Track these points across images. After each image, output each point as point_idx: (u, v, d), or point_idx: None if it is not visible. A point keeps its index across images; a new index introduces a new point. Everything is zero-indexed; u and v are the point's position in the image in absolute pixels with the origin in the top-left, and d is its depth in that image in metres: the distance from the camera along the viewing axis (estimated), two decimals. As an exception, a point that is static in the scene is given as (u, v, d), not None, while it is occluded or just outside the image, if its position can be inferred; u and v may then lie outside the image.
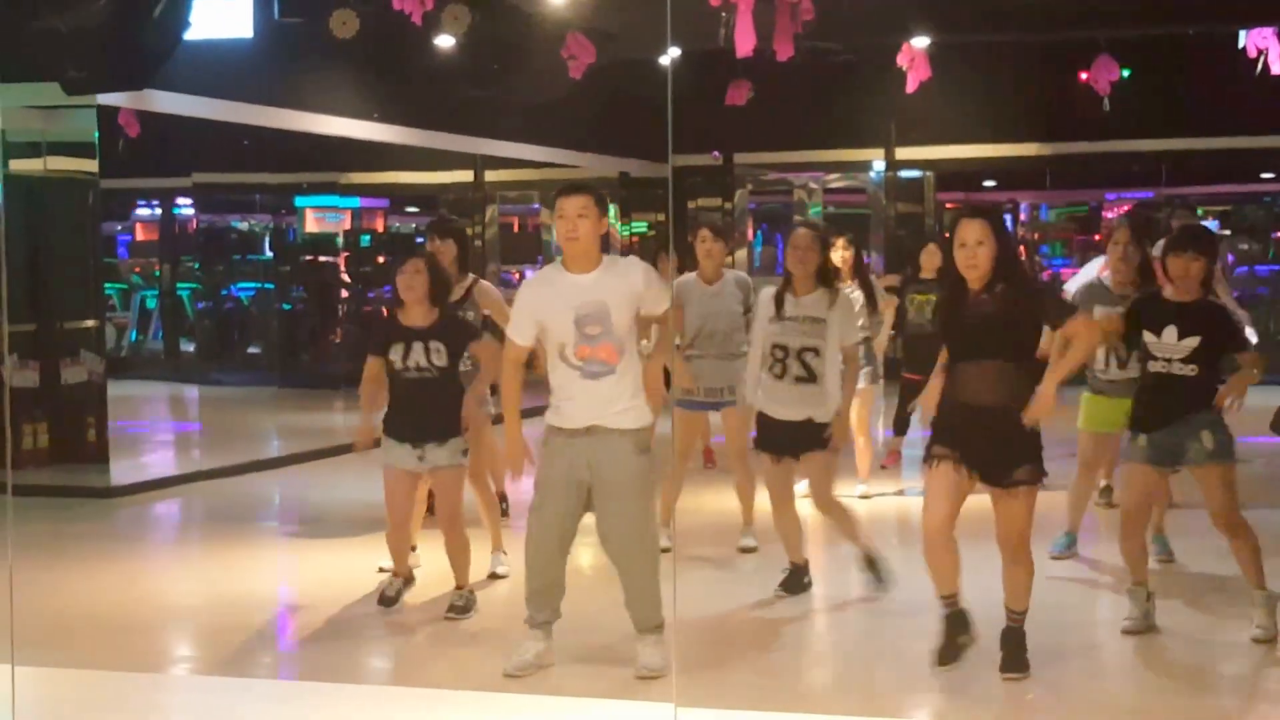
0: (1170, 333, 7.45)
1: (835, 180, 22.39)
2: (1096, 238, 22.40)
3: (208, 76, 13.62)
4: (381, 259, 22.66)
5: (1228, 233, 22.35)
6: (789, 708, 6.51)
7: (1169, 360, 7.45)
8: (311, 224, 22.21)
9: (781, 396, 8.33)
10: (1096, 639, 8.00)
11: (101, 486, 12.63)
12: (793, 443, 8.32)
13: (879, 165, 21.81)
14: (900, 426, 12.96)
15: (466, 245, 9.60)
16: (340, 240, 22.44)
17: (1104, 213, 23.36)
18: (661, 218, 22.70)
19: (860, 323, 10.03)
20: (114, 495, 12.49)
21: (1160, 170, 21.46)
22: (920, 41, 15.88)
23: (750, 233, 22.34)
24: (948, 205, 22.97)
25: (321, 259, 21.81)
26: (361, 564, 9.45)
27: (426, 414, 8.14)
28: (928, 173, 22.07)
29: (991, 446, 6.68)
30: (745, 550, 9.69)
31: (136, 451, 13.95)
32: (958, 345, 6.79)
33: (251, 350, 20.52)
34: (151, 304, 21.32)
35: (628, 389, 6.96)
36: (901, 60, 15.87)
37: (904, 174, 21.96)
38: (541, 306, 7.01)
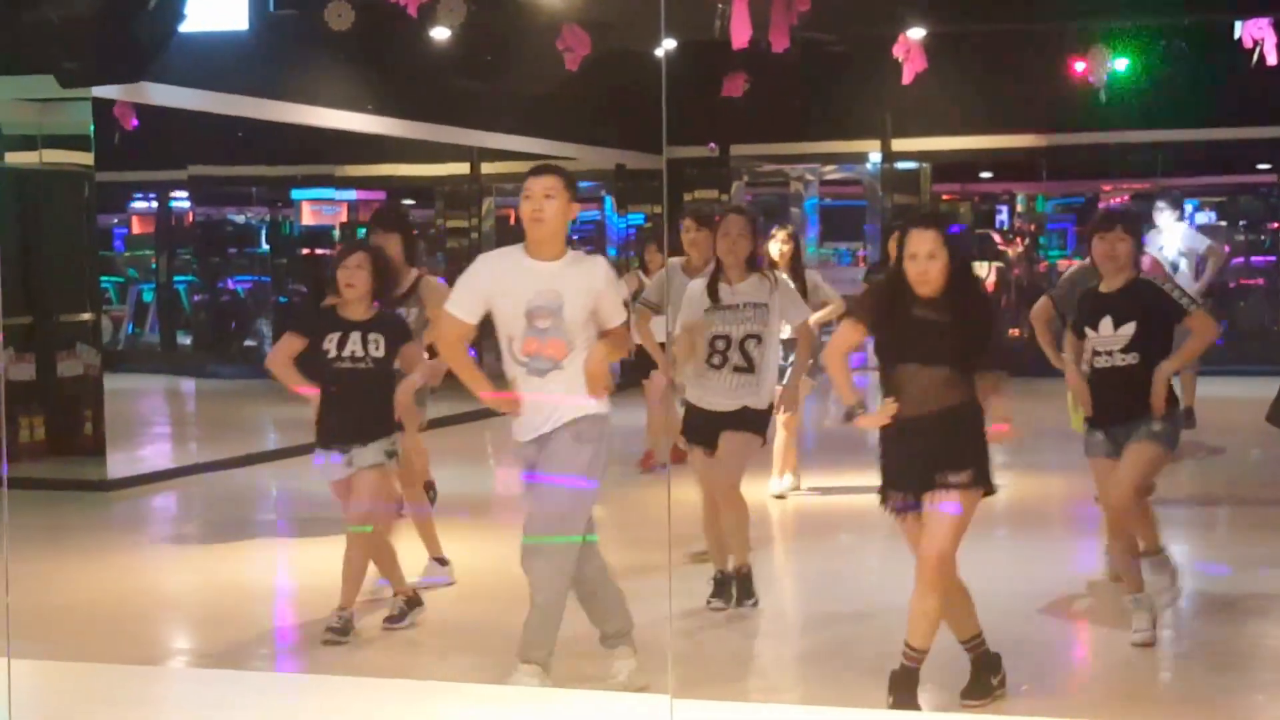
0: (1106, 324, 7.30)
1: (831, 172, 22.39)
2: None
3: (203, 69, 13.60)
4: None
5: (1224, 224, 22.34)
6: (784, 699, 6.51)
7: (1110, 353, 7.30)
8: (308, 216, 22.19)
9: (718, 386, 7.97)
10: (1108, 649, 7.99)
11: (98, 479, 12.62)
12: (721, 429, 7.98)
13: (875, 157, 21.80)
14: None
15: (412, 238, 8.97)
16: (337, 233, 22.43)
17: (1100, 203, 23.35)
18: (658, 210, 22.69)
19: None
20: (110, 488, 12.50)
21: (1156, 161, 21.45)
22: (916, 32, 15.86)
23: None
24: (944, 197, 22.97)
25: (318, 252, 21.79)
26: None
27: (357, 410, 7.68)
28: (924, 164, 22.06)
29: (931, 457, 6.19)
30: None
31: (133, 444, 13.94)
32: (901, 351, 6.26)
33: (248, 343, 20.49)
34: (148, 297, 21.29)
35: (575, 389, 6.54)
36: (897, 51, 15.86)
37: (900, 165, 21.95)
38: (496, 287, 6.55)
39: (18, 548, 8.41)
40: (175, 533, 11.63)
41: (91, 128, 13.16)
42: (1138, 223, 7.61)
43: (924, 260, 6.18)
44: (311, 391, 7.68)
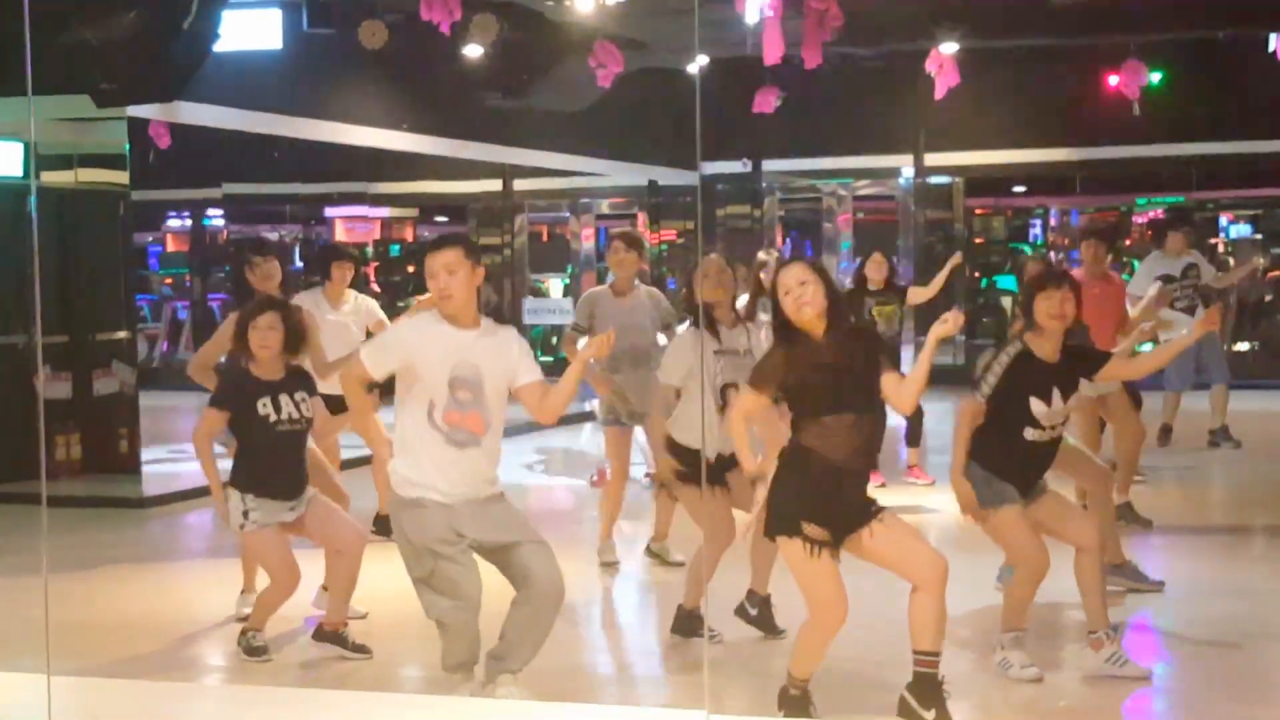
0: (1057, 398, 7.05)
1: (864, 187, 22.38)
2: (1128, 242, 22.33)
3: (237, 88, 13.67)
4: (411, 268, 22.73)
5: (1259, 237, 22.25)
6: (820, 712, 6.49)
7: (1051, 427, 7.09)
8: (341, 233, 22.29)
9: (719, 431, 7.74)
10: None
11: (134, 497, 12.67)
12: (725, 473, 7.77)
13: (908, 171, 21.78)
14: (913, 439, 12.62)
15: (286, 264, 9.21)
16: (370, 250, 22.52)
17: (1134, 218, 23.28)
18: (690, 226, 22.70)
19: None
20: (146, 505, 12.54)
21: (1191, 175, 21.38)
22: (949, 47, 15.87)
23: (780, 240, 22.33)
24: (977, 211, 22.93)
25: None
26: (395, 571, 9.49)
27: (300, 468, 7.79)
28: (957, 179, 22.03)
29: (851, 505, 6.18)
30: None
31: (168, 462, 13.98)
32: (820, 399, 6.12)
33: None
34: (183, 315, 21.41)
35: (492, 464, 6.60)
36: (930, 66, 15.87)
37: (933, 180, 21.92)
38: (420, 353, 6.50)
39: (55, 565, 8.46)
40: (211, 550, 11.65)
41: (127, 147, 13.22)
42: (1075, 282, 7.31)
43: (798, 288, 6.15)
44: (212, 480, 7.69)
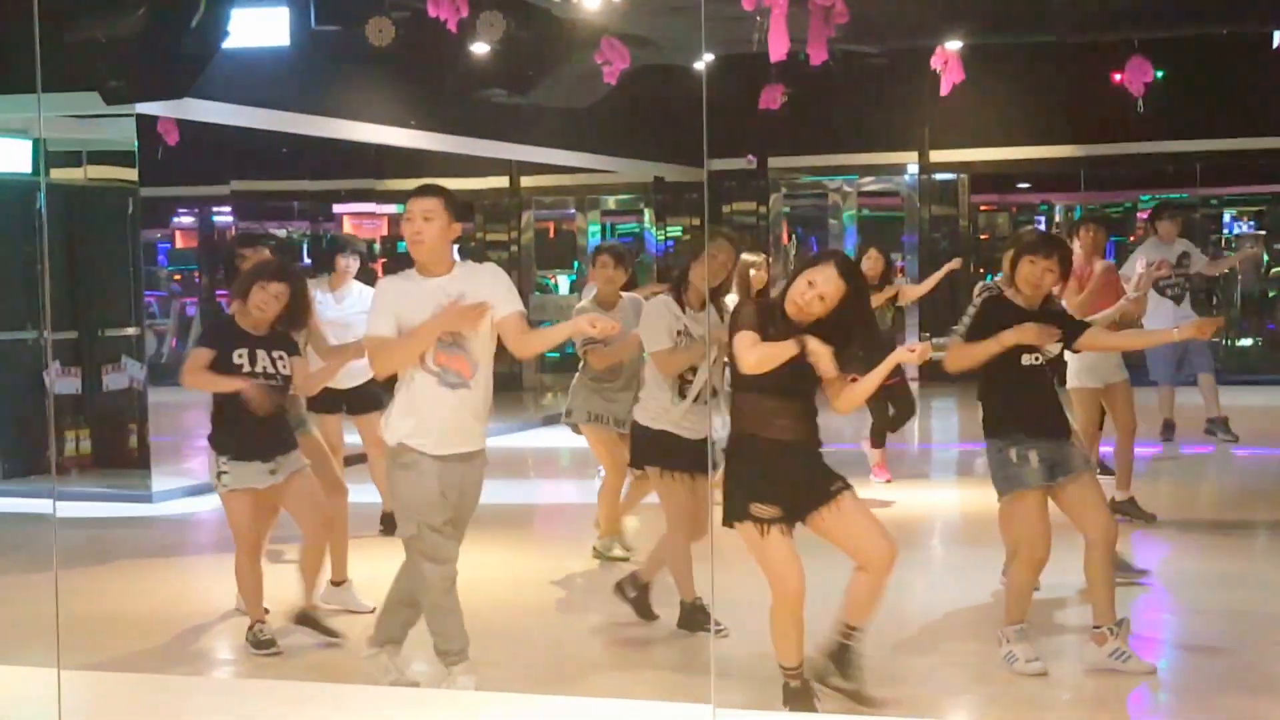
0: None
1: (869, 183, 22.40)
2: (1131, 238, 22.34)
3: (245, 85, 13.70)
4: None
5: (1263, 233, 22.27)
6: (826, 708, 6.53)
7: (1039, 351, 7.11)
8: (349, 230, 22.30)
9: (692, 415, 7.84)
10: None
11: (143, 492, 12.72)
12: (700, 461, 7.82)
13: (913, 168, 21.79)
14: (879, 439, 12.53)
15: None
16: (378, 246, 22.53)
17: (1138, 214, 23.29)
18: (696, 222, 22.71)
19: None
20: (155, 501, 12.60)
21: (1195, 171, 21.38)
22: (954, 44, 15.88)
23: (785, 237, 22.35)
24: (982, 208, 22.94)
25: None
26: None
27: (277, 427, 7.83)
28: (962, 175, 22.05)
29: (805, 483, 6.33)
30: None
31: (177, 457, 14.03)
32: (778, 382, 6.21)
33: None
34: (191, 311, 21.43)
35: (481, 408, 6.72)
36: (935, 63, 15.87)
37: (938, 177, 21.94)
38: (403, 306, 6.64)
39: (64, 560, 8.53)
40: (220, 545, 11.69)
41: (135, 143, 13.27)
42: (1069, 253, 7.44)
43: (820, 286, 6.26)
44: (239, 384, 7.65)
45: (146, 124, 13.54)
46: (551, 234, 23.63)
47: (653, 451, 7.90)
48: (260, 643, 7.78)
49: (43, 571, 8.70)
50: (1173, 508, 11.27)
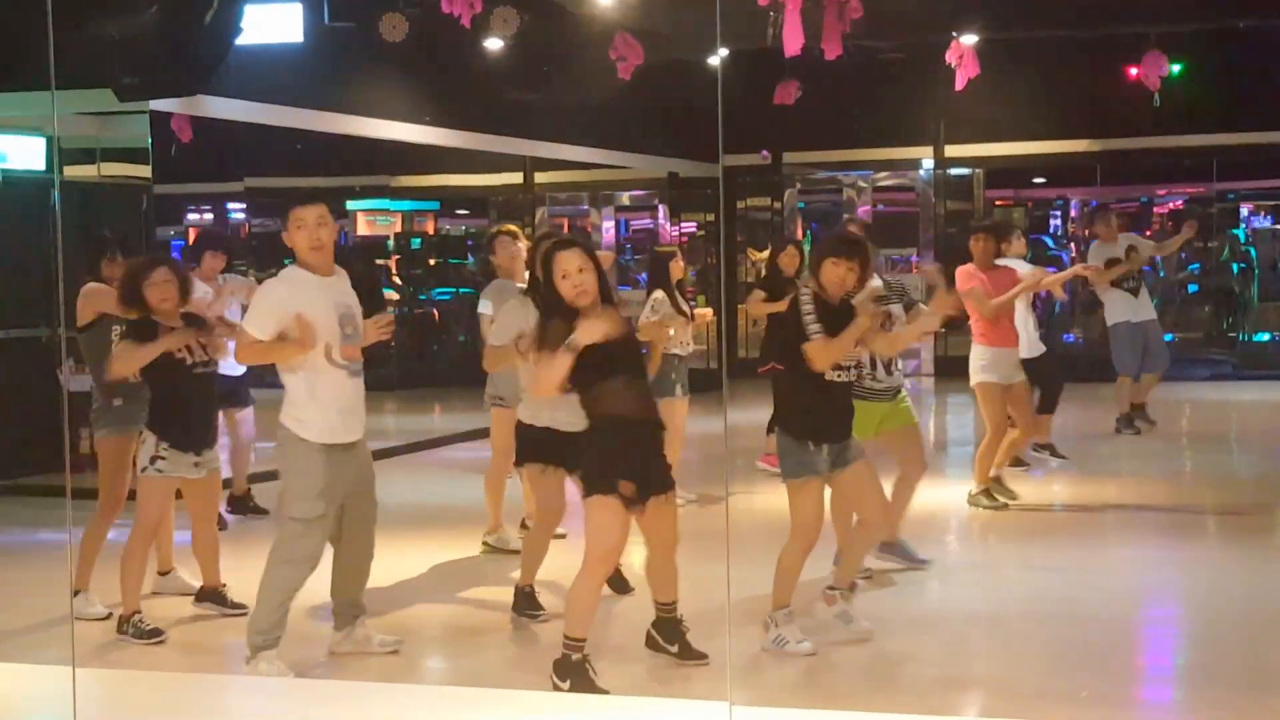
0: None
1: (884, 178, 22.36)
2: (1147, 233, 22.29)
3: (259, 81, 13.70)
4: (432, 261, 22.74)
5: (1273, 224, 22.24)
6: (843, 705, 6.51)
7: (847, 368, 7.41)
8: (363, 227, 22.31)
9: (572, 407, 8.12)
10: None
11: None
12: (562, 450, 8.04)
13: (928, 163, 21.76)
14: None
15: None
16: (391, 243, 22.54)
17: (1155, 208, 23.24)
18: (710, 218, 22.70)
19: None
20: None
21: (1211, 165, 21.32)
22: (969, 38, 15.85)
23: (800, 232, 22.33)
24: (997, 203, 22.89)
25: (378, 262, 21.95)
26: (415, 560, 9.56)
27: (208, 413, 8.18)
28: (977, 170, 22.00)
29: (650, 460, 6.73)
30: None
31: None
32: (604, 363, 6.58)
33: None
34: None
35: (362, 393, 7.35)
36: (950, 57, 15.85)
37: (953, 171, 21.90)
38: (303, 304, 7.05)
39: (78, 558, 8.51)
40: (233, 541, 11.67)
41: (149, 141, 13.26)
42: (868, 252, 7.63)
43: (576, 275, 6.64)
44: (169, 341, 7.95)
45: (160, 121, 13.54)
46: (565, 230, 23.60)
47: (533, 450, 8.06)
48: (145, 632, 7.95)
49: (57, 568, 8.70)
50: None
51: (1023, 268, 11.79)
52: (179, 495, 8.32)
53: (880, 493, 7.63)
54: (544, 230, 8.74)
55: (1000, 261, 11.36)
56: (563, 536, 8.96)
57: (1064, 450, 12.82)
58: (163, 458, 7.93)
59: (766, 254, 12.74)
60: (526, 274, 9.72)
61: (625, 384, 6.63)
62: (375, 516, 7.54)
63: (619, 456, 6.61)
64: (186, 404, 7.99)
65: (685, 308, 11.13)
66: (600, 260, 6.88)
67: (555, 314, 6.66)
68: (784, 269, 12.04)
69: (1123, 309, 14.21)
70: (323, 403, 7.12)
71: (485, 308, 9.78)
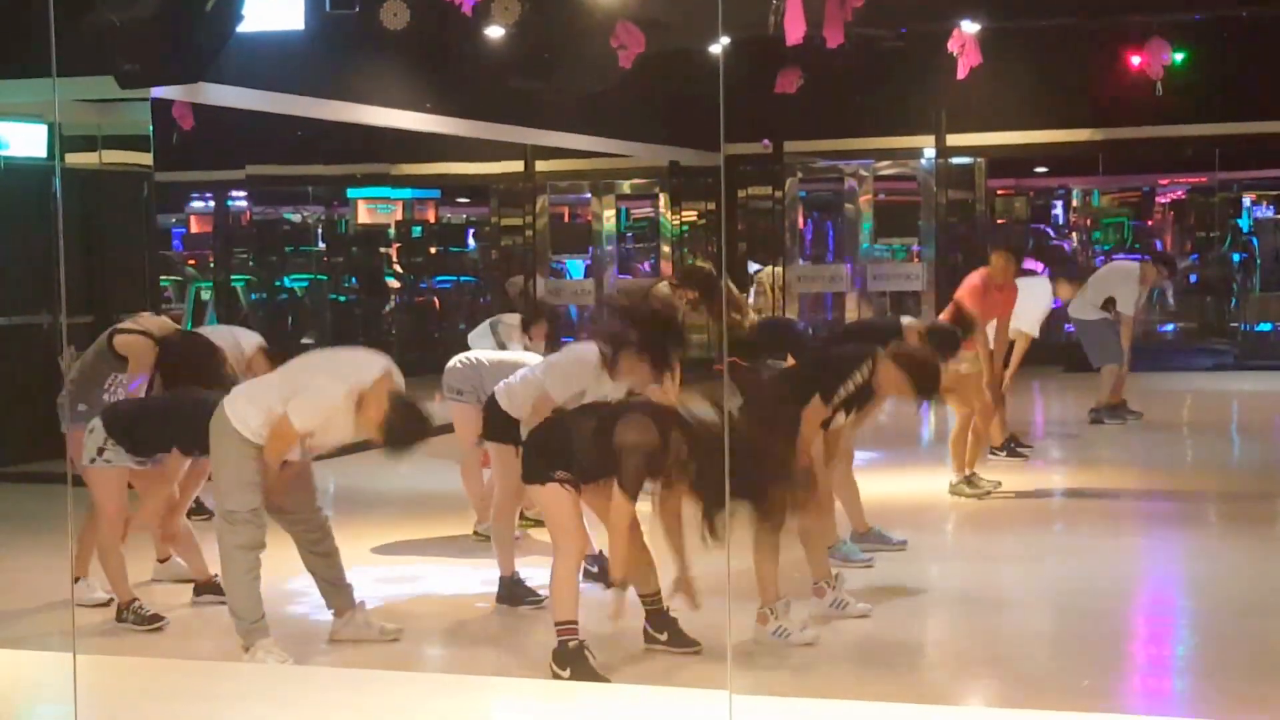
0: None
1: (885, 167, 22.34)
2: (1149, 223, 22.28)
3: (260, 69, 13.69)
4: (433, 249, 22.74)
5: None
6: (844, 694, 6.52)
7: None
8: (363, 215, 22.31)
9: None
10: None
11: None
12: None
13: (929, 152, 21.73)
14: None
15: None
16: (392, 231, 22.54)
17: (1156, 198, 23.23)
18: (712, 206, 22.69)
19: None
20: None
21: (1214, 155, 21.31)
22: (971, 26, 15.83)
23: (801, 221, 22.33)
24: (999, 192, 22.88)
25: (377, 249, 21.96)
26: (417, 551, 9.56)
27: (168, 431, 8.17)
28: (979, 159, 21.98)
29: (587, 448, 6.88)
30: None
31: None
32: None
33: (305, 340, 20.63)
34: (206, 296, 21.48)
35: None
36: (952, 46, 15.84)
37: (955, 161, 21.87)
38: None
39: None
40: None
41: (150, 128, 13.26)
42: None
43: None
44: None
45: (161, 109, 13.55)
46: (566, 219, 23.61)
47: (500, 430, 8.19)
48: (145, 619, 7.99)
49: (58, 555, 8.70)
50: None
51: (1036, 285, 11.91)
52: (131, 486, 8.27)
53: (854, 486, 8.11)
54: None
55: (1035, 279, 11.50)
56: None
57: (1058, 437, 12.83)
58: (109, 449, 7.97)
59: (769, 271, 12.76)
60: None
61: None
62: (314, 497, 7.64)
63: (555, 447, 6.89)
64: (146, 422, 8.09)
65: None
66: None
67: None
68: None
69: (1078, 305, 14.29)
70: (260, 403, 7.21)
71: (510, 338, 9.88)
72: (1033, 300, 12.52)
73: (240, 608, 7.26)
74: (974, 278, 11.35)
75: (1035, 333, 12.89)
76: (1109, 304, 14.15)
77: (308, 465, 7.55)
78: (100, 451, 7.97)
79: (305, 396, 7.06)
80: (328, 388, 7.06)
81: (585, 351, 7.91)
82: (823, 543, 7.98)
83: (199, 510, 9.54)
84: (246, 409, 7.18)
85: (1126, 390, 14.65)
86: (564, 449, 6.88)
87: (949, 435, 11.45)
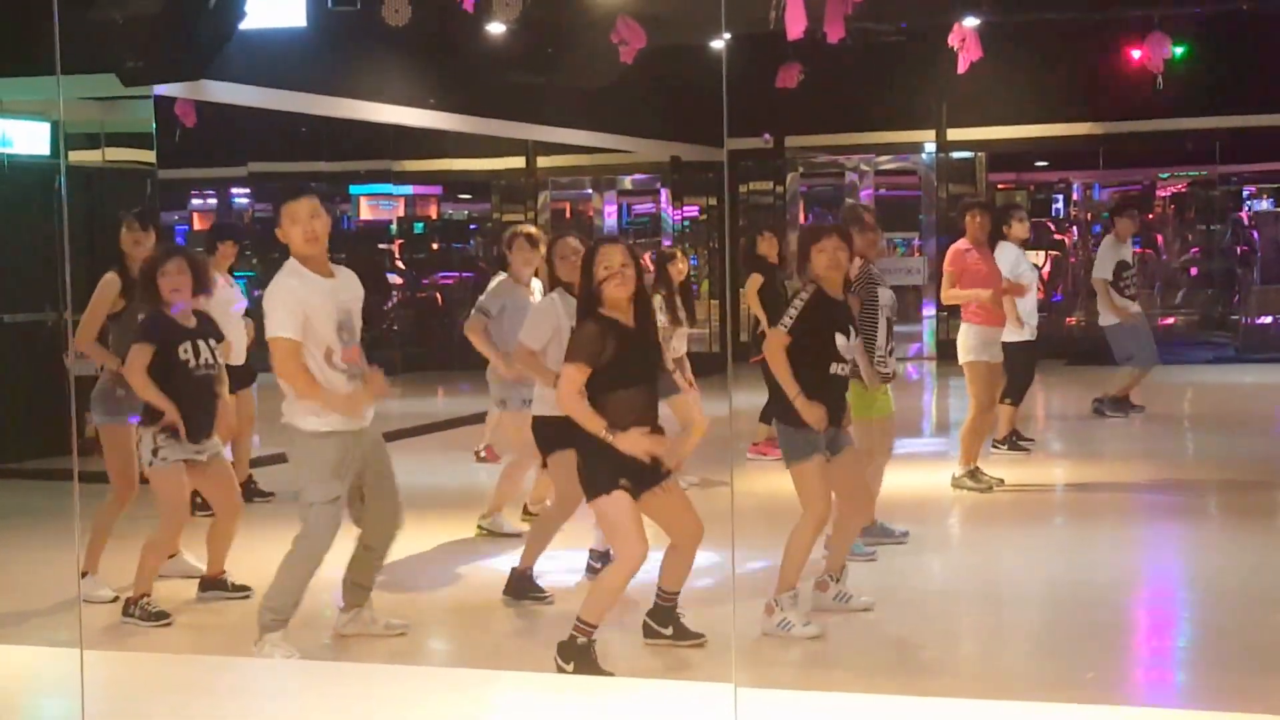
0: (851, 331, 7.60)
1: (886, 162, 22.36)
2: (1149, 216, 22.28)
3: (262, 66, 13.71)
4: (435, 246, 22.75)
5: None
6: (847, 687, 6.54)
7: (847, 362, 7.58)
8: (365, 212, 22.32)
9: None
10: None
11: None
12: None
13: (930, 146, 21.76)
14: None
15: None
16: (394, 227, 22.55)
17: (1158, 191, 23.24)
18: (713, 201, 22.71)
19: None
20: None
21: (1214, 148, 21.32)
22: (971, 21, 15.84)
23: (802, 216, 22.35)
24: (1000, 186, 22.90)
25: (380, 246, 21.96)
26: (422, 544, 9.58)
27: (210, 408, 8.18)
28: (979, 153, 21.99)
29: (649, 465, 6.72)
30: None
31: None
32: (625, 373, 6.68)
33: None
34: (209, 292, 21.48)
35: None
36: (953, 40, 15.84)
37: (956, 155, 21.89)
38: (310, 306, 7.05)
39: (86, 541, 8.55)
40: (241, 523, 11.71)
41: (153, 125, 13.27)
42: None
43: (620, 269, 6.64)
44: (164, 402, 7.95)
45: (164, 106, 13.55)
46: (568, 214, 23.62)
47: (556, 437, 7.96)
48: (151, 615, 7.99)
49: (65, 551, 8.72)
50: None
51: (1011, 254, 11.86)
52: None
53: (865, 479, 7.91)
54: (560, 233, 8.63)
55: (1002, 244, 11.45)
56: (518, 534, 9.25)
57: (1058, 430, 12.84)
58: (163, 447, 7.98)
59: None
60: (535, 281, 9.81)
61: (637, 394, 6.70)
62: (396, 492, 7.54)
63: (615, 457, 6.62)
64: (186, 405, 8.00)
65: (682, 315, 11.16)
66: (641, 259, 6.90)
67: (590, 316, 6.69)
68: (769, 257, 12.07)
69: (1105, 314, 14.31)
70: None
71: (493, 306, 9.74)
72: (1008, 265, 12.47)
73: (279, 599, 7.25)
74: (952, 249, 11.42)
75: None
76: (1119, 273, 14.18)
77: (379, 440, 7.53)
78: (155, 452, 7.99)
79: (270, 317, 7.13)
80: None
81: (545, 299, 8.39)
82: (852, 536, 7.99)
83: (204, 508, 9.54)
84: (289, 398, 7.19)
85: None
86: (624, 456, 6.64)
87: (952, 428, 11.46)
